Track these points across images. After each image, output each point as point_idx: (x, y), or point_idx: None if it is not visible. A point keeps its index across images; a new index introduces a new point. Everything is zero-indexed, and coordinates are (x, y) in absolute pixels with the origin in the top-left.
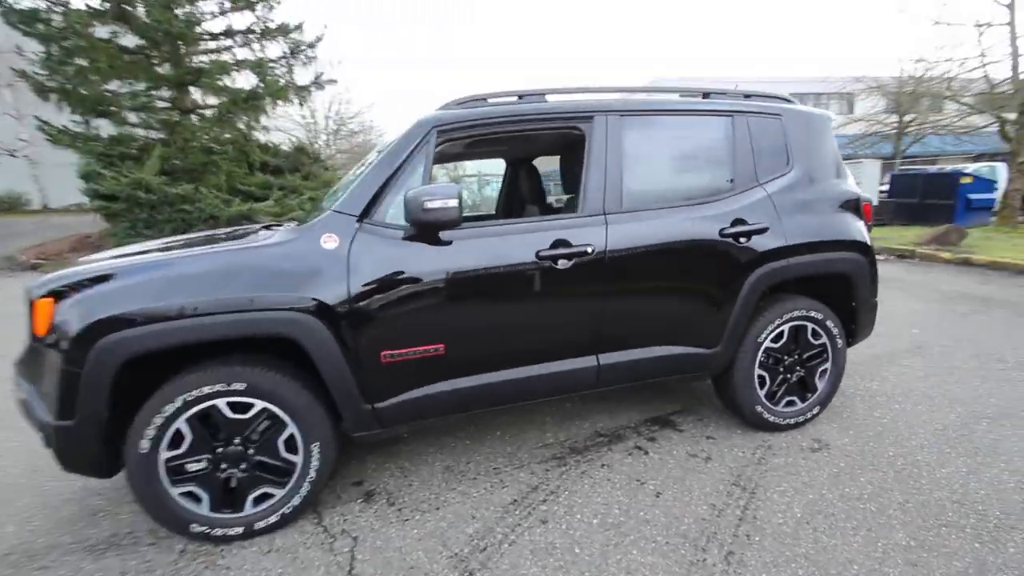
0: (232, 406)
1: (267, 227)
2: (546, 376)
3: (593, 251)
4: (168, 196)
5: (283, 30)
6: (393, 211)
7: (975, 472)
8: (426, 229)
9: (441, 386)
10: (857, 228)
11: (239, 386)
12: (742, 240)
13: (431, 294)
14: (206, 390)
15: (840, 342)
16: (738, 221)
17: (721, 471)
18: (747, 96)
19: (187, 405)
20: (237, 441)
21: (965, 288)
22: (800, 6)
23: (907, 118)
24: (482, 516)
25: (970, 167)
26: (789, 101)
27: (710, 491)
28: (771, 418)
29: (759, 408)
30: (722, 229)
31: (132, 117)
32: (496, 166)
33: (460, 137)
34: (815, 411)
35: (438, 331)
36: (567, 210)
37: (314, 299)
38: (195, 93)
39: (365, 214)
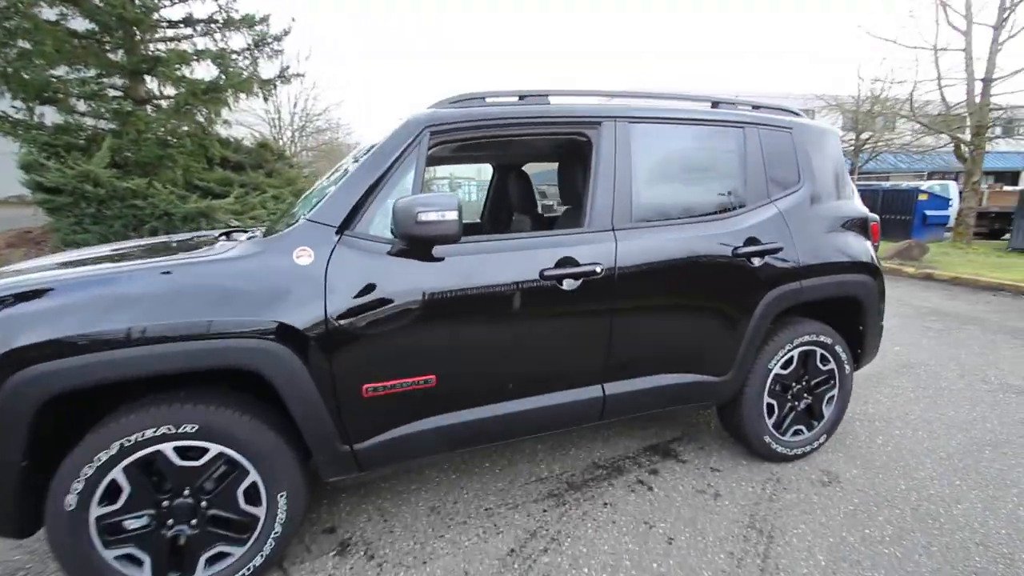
0: (181, 451)
1: (226, 235)
2: (548, 409)
3: (602, 270)
4: (118, 190)
5: (247, 21)
6: (379, 222)
7: (991, 507)
8: (418, 244)
9: (430, 422)
10: (867, 249)
11: (190, 427)
12: (755, 260)
13: (422, 318)
14: (149, 433)
15: (848, 368)
16: (751, 240)
17: (733, 510)
18: (755, 107)
19: (125, 451)
20: (187, 492)
21: (935, 304)
22: (770, 24)
23: (864, 135)
24: (476, 572)
25: (923, 184)
26: (797, 114)
27: (725, 535)
28: (779, 448)
29: (767, 439)
30: (736, 248)
31: (81, 105)
32: (469, 168)
33: (454, 140)
34: (822, 440)
35: (429, 360)
36: (567, 222)
37: (284, 324)
38: (150, 83)
39: (346, 225)
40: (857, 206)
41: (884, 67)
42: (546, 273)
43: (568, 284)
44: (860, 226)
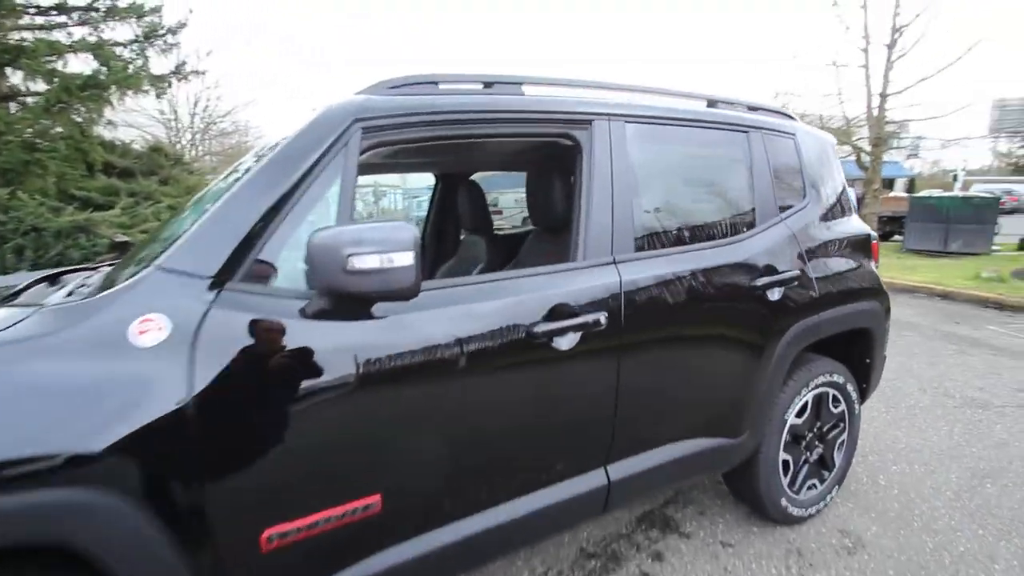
0: None
1: (49, 279)
2: (539, 515)
3: (607, 319)
4: None
5: (135, 10)
6: (285, 263)
7: None
8: (349, 303)
9: (373, 564)
10: (874, 272)
11: None
12: (774, 292)
13: (359, 411)
14: None
15: (857, 408)
16: (769, 268)
17: None
18: (753, 108)
19: None
20: None
21: None
22: (757, 30)
23: None
24: None
25: None
26: (793, 119)
27: None
28: (795, 511)
29: (783, 501)
30: (754, 278)
31: None
32: (394, 176)
33: (397, 140)
34: (833, 493)
35: (372, 474)
36: (543, 249)
37: (110, 456)
38: (14, 77)
39: (228, 272)
40: (860, 223)
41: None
42: (536, 330)
43: (564, 341)
44: (864, 246)
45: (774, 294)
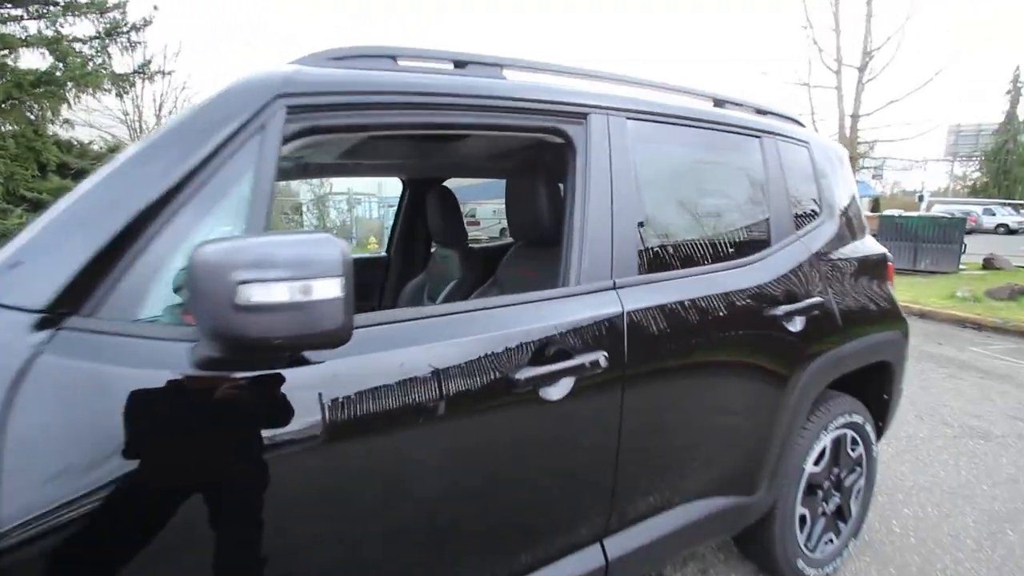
0: None
1: None
2: None
3: (607, 359)
4: None
5: (97, 6)
6: (165, 290)
7: None
8: (250, 352)
9: None
10: (892, 298)
11: None
12: (796, 322)
13: (282, 505)
14: None
15: (875, 449)
16: (790, 294)
17: None
18: (762, 112)
19: None
20: None
21: None
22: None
23: None
24: None
25: None
26: (804, 125)
27: None
28: (812, 572)
29: (801, 563)
30: (774, 304)
31: None
32: (370, 181)
33: (334, 126)
34: (850, 546)
35: None
36: (529, 268)
37: None
38: None
39: (71, 301)
40: (874, 242)
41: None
42: (518, 376)
43: (554, 390)
44: (881, 266)
45: (796, 324)
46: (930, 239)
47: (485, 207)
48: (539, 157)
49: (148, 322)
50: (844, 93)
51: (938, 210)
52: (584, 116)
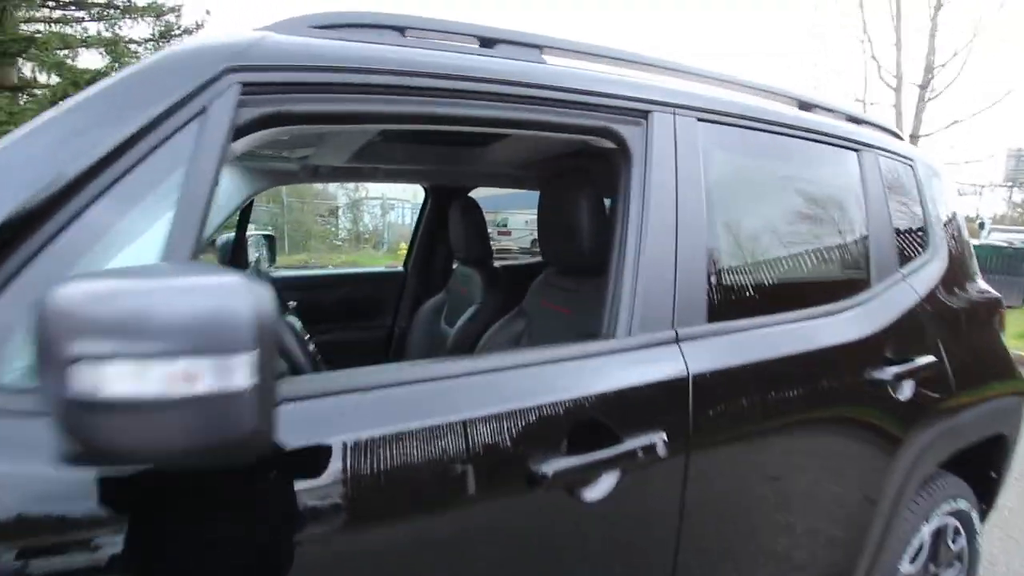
0: None
1: None
2: None
3: (667, 444)
4: None
5: (154, 9)
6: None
7: None
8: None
9: None
10: (1008, 354)
11: None
12: (904, 387)
13: None
14: None
15: (979, 541)
16: (898, 350)
17: None
18: (855, 120)
19: None
20: None
21: None
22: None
23: None
24: None
25: None
26: (902, 137)
27: None
28: None
29: None
30: (877, 364)
31: None
32: (403, 186)
33: (309, 114)
34: None
35: None
36: (563, 300)
37: None
38: (27, 69)
39: None
40: (984, 283)
41: None
42: (543, 471)
43: (593, 489)
44: (994, 315)
45: (904, 390)
46: (992, 270)
47: (517, 217)
48: (583, 166)
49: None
50: (903, 111)
51: (997, 239)
52: (645, 115)
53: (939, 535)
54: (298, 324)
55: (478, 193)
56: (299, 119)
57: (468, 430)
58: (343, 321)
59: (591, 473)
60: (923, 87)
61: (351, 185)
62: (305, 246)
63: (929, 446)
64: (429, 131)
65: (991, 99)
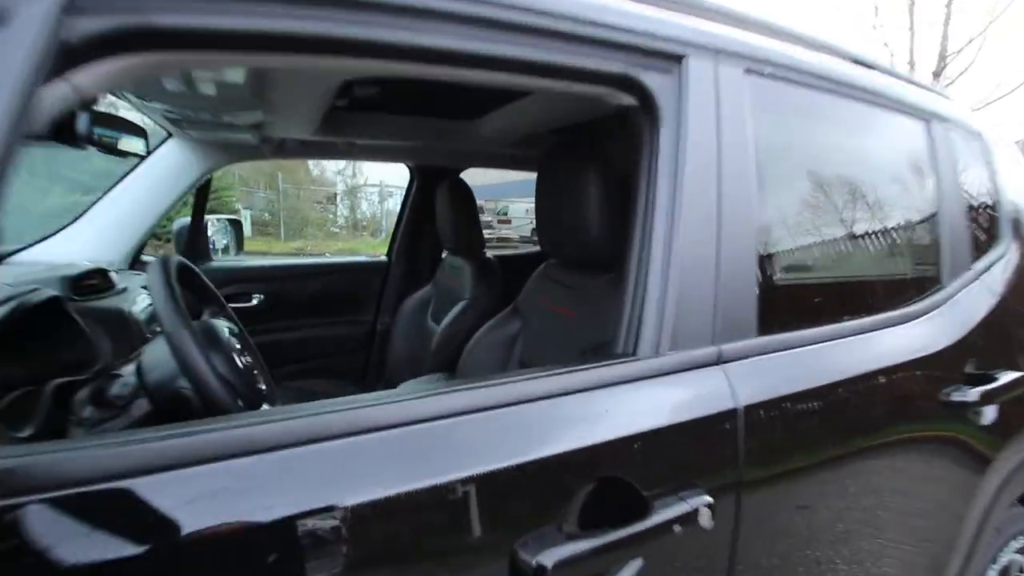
0: None
1: None
2: None
3: (712, 507)
4: None
5: None
6: None
7: None
8: None
9: None
10: None
11: None
12: (988, 412)
13: None
14: None
15: None
16: (979, 366)
17: None
18: (918, 86)
19: None
20: None
21: None
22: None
23: None
24: None
25: None
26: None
27: None
28: None
29: None
30: (953, 384)
31: None
32: (399, 170)
33: (187, 31)
34: None
35: None
36: (567, 300)
37: None
38: None
39: None
40: None
41: None
42: (543, 562)
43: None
44: None
45: (987, 414)
46: None
47: (518, 205)
48: (592, 129)
49: None
50: None
51: None
52: (678, 59)
53: (1006, 572)
54: (227, 329)
55: (477, 182)
56: (174, 40)
57: (426, 504)
58: (319, 316)
59: (607, 561)
60: (936, 75)
61: (348, 171)
62: (302, 233)
63: (1013, 477)
64: (410, 98)
65: (1006, 87)
